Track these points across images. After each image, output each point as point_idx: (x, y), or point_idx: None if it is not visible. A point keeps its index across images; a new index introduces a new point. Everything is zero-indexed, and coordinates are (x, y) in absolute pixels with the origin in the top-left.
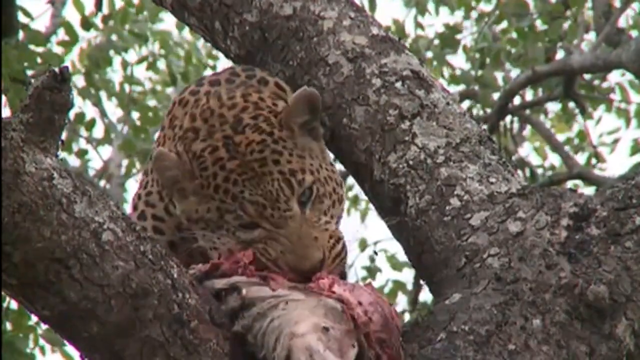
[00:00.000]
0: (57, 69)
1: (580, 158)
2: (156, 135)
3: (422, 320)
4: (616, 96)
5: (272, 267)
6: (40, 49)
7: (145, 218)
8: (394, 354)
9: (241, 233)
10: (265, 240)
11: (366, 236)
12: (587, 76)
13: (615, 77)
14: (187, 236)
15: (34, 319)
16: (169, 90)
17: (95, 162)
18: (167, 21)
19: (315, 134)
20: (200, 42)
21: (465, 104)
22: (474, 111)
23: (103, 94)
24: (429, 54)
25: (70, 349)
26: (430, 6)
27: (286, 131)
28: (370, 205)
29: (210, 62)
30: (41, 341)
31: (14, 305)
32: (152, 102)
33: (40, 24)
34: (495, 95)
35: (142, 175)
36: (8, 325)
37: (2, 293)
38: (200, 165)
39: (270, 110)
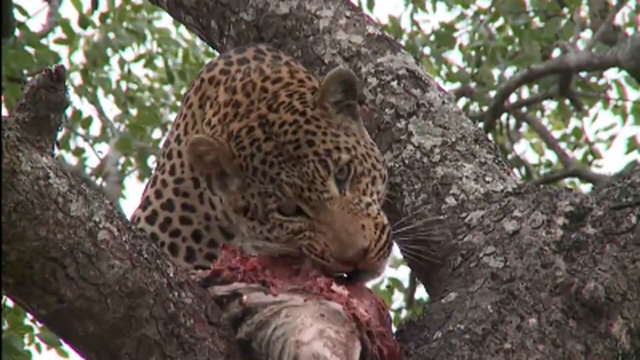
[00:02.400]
0: (52, 68)
1: (577, 155)
2: (175, 120)
3: (418, 319)
4: (613, 94)
5: (320, 262)
6: (36, 49)
7: (173, 208)
8: (392, 346)
9: (286, 222)
10: (310, 235)
11: None
12: (583, 73)
13: (612, 74)
14: (220, 225)
15: (31, 317)
16: (166, 88)
17: (92, 160)
18: (165, 19)
19: (351, 112)
20: (198, 40)
21: (462, 101)
22: (470, 109)
23: (100, 92)
24: (426, 50)
25: (66, 347)
26: (428, 3)
27: (320, 109)
28: None
29: (208, 60)
30: (37, 340)
31: (10, 303)
32: (149, 100)
33: (37, 22)
34: (492, 93)
35: (163, 158)
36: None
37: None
38: (237, 146)
39: (307, 88)
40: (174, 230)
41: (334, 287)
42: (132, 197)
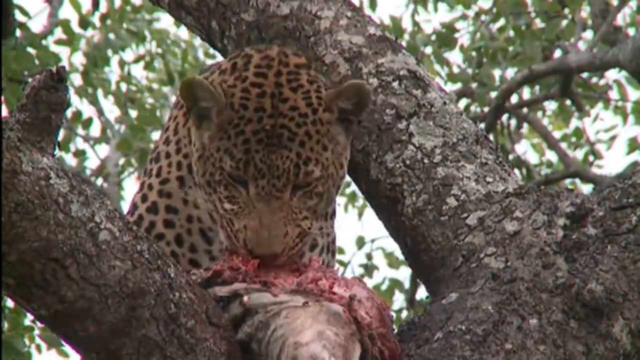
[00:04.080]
0: (53, 69)
1: (578, 155)
2: (164, 125)
3: (419, 320)
4: (614, 94)
5: (231, 239)
6: (37, 50)
7: (157, 211)
8: (393, 346)
9: (225, 191)
10: (237, 212)
11: (364, 234)
12: (584, 74)
13: (613, 74)
14: (201, 228)
15: (31, 318)
16: (166, 89)
17: (92, 161)
18: (165, 20)
19: (349, 128)
20: (198, 41)
21: (463, 102)
22: (471, 109)
23: (100, 93)
24: (428, 50)
25: (67, 347)
26: (429, 3)
27: (327, 113)
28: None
29: (208, 61)
30: (37, 340)
31: (10, 304)
32: (149, 101)
33: (38, 23)
34: (493, 94)
35: (150, 164)
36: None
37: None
38: (241, 99)
39: (323, 85)
40: (158, 234)
41: (336, 289)
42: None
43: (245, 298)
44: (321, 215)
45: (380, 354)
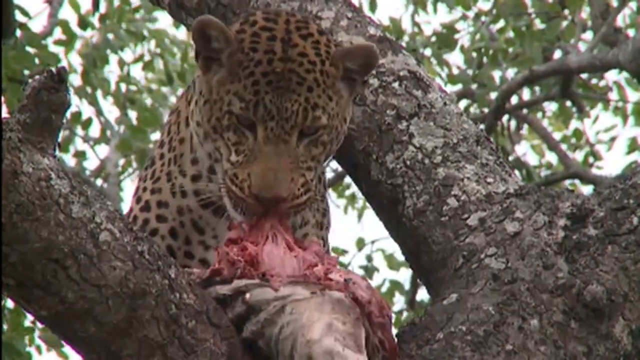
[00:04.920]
0: (54, 69)
1: (578, 156)
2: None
3: (420, 321)
4: (613, 95)
5: (236, 192)
6: (37, 50)
7: (149, 208)
8: (391, 338)
9: (233, 135)
10: (241, 162)
11: (363, 235)
12: (584, 75)
13: (613, 75)
14: (192, 219)
15: (31, 318)
16: (165, 89)
17: (91, 162)
18: (163, 20)
19: (352, 87)
20: None
21: (463, 103)
22: (471, 111)
23: (99, 93)
24: (427, 52)
25: (67, 348)
26: (429, 4)
27: (333, 68)
28: (368, 204)
29: None
30: (37, 341)
31: (11, 304)
32: (148, 101)
33: (38, 23)
34: (493, 95)
35: (145, 171)
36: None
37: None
38: (251, 43)
39: (331, 41)
40: (152, 230)
41: (332, 275)
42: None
43: (247, 295)
44: (323, 168)
45: (381, 343)
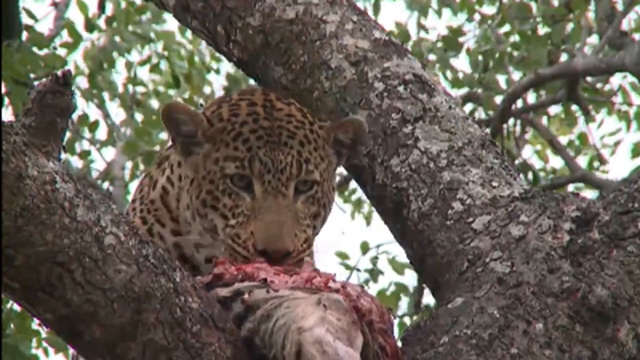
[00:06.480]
0: (59, 73)
1: (582, 160)
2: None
3: (425, 324)
4: (618, 99)
5: (239, 250)
6: (43, 52)
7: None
8: (394, 343)
9: (229, 200)
10: (239, 222)
11: (369, 239)
12: (590, 79)
13: (618, 79)
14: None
15: (37, 322)
16: (172, 92)
17: (98, 164)
18: (170, 22)
19: (339, 159)
20: (204, 44)
21: (468, 107)
22: (477, 114)
23: (106, 96)
24: (432, 57)
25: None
26: (433, 9)
27: (323, 131)
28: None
29: (214, 64)
30: (44, 344)
31: (17, 308)
32: (155, 104)
33: (44, 26)
34: (498, 99)
35: (133, 204)
36: (11, 327)
37: (4, 296)
38: (231, 111)
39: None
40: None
41: (331, 284)
42: None
43: (247, 295)
44: (315, 233)
45: (383, 349)
